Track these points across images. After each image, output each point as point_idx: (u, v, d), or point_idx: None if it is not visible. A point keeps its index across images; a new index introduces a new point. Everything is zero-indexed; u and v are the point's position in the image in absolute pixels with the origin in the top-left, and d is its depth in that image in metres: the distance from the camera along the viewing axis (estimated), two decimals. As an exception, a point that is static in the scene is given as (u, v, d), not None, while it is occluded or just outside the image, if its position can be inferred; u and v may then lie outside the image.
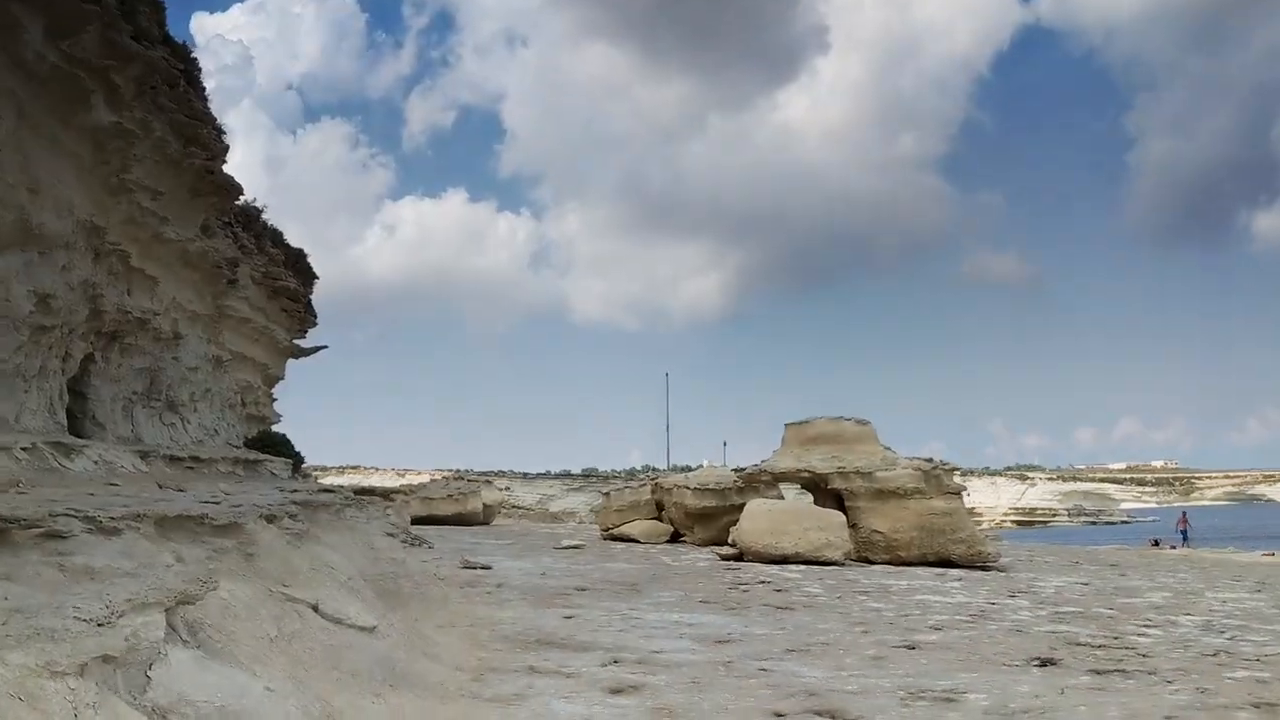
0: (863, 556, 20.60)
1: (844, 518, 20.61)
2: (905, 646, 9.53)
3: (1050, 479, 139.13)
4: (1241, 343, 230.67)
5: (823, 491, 22.33)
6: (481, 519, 37.44)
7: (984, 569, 20.04)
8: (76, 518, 5.39)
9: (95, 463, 11.95)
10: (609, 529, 28.60)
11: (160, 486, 10.90)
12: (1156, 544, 40.56)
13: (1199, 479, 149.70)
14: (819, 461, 22.08)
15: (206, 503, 8.55)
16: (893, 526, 20.58)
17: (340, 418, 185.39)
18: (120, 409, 17.46)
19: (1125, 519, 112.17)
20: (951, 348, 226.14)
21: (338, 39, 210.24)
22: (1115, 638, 10.42)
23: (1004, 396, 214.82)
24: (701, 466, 30.55)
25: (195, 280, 20.49)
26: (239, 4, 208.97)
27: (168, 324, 18.72)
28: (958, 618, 11.91)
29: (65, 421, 14.39)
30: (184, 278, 19.61)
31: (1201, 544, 40.86)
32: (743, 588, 14.68)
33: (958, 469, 21.95)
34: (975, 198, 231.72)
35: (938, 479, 20.76)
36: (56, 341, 13.84)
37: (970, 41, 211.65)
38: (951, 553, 20.29)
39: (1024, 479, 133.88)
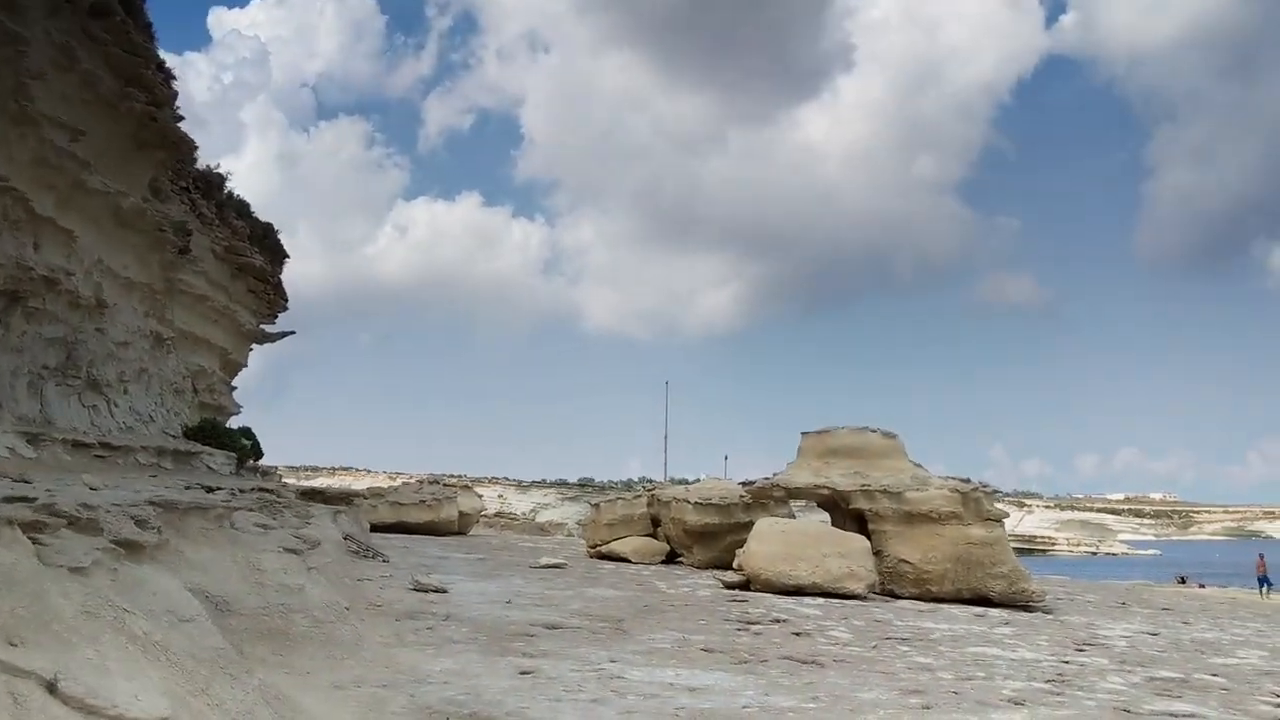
0: (887, 589, 17.91)
1: (868, 544, 17.88)
2: (990, 735, 6.94)
3: (1048, 506, 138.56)
4: (1248, 377, 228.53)
5: (842, 512, 19.60)
6: (456, 528, 34.60)
7: (1027, 609, 17.42)
8: None
9: (-63, 444, 9.24)
10: (597, 545, 25.78)
11: (1, 476, 8.21)
12: (1183, 581, 38.59)
13: (1198, 513, 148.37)
14: (840, 477, 19.33)
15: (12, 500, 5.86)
16: (924, 556, 17.85)
17: (341, 418, 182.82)
18: (25, 384, 14.78)
19: (1126, 550, 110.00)
20: (958, 370, 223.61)
21: (356, 38, 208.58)
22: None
23: (1007, 421, 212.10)
24: (700, 480, 27.81)
25: (134, 243, 17.87)
26: (258, 0, 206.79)
27: (89, 289, 16.06)
28: (1034, 684, 9.31)
29: (-70, 393, 11.75)
30: (116, 238, 16.98)
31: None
32: (754, 629, 12.00)
33: (999, 492, 19.25)
34: (992, 221, 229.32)
35: (977, 503, 18.01)
36: (-88, 292, 11.19)
37: (994, 67, 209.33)
38: (990, 589, 17.60)
39: (1021, 505, 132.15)
